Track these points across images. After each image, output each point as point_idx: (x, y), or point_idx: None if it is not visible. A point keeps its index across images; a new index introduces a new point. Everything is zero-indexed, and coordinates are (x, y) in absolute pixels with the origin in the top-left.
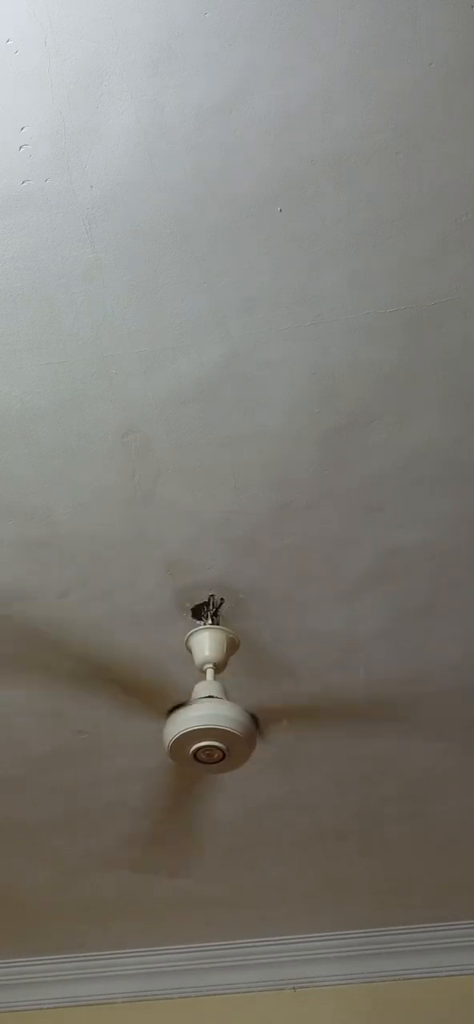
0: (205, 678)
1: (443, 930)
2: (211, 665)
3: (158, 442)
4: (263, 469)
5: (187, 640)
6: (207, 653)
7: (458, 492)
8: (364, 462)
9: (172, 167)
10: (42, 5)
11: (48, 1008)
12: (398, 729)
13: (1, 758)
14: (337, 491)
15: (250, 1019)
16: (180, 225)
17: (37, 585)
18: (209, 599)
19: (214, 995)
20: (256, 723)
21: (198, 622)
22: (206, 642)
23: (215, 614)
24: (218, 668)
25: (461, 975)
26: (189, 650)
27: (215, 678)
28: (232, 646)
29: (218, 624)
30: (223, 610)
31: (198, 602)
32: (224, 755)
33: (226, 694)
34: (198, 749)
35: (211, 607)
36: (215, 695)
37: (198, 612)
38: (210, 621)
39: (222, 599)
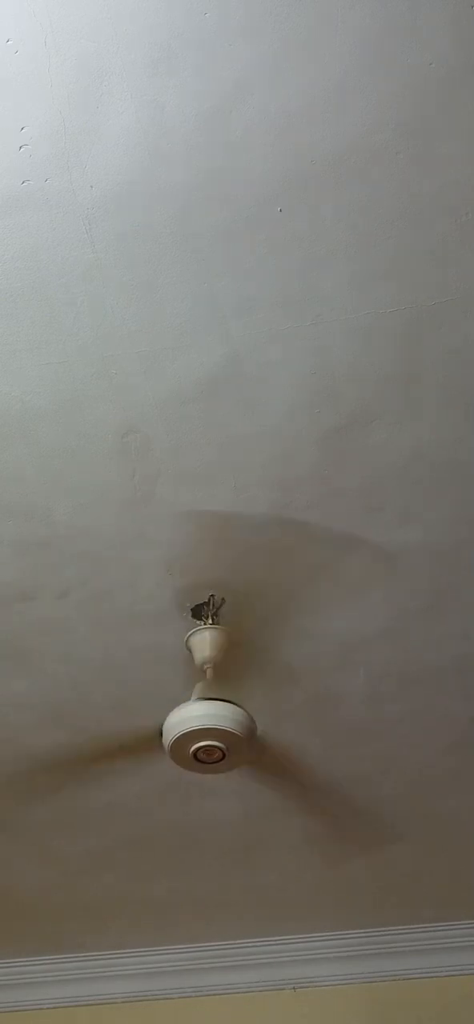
0: (205, 678)
1: (443, 930)
2: (211, 665)
3: (158, 442)
4: (263, 469)
5: (187, 640)
6: (207, 653)
7: (458, 492)
8: (364, 462)
9: (172, 167)
10: (42, 5)
11: (48, 1008)
12: (398, 729)
13: (1, 757)
14: (337, 491)
15: (250, 1019)
16: (180, 225)
17: (37, 585)
18: (209, 599)
19: (214, 995)
20: (255, 723)
21: (198, 622)
22: (206, 642)
23: (215, 614)
24: (218, 668)
25: (461, 975)
26: (189, 650)
27: (215, 678)
28: (232, 646)
29: (218, 624)
30: (223, 610)
31: (198, 602)
32: (224, 755)
33: (226, 694)
34: (198, 749)
35: (211, 607)
36: (215, 695)
37: (198, 612)
38: (210, 621)
39: (222, 599)
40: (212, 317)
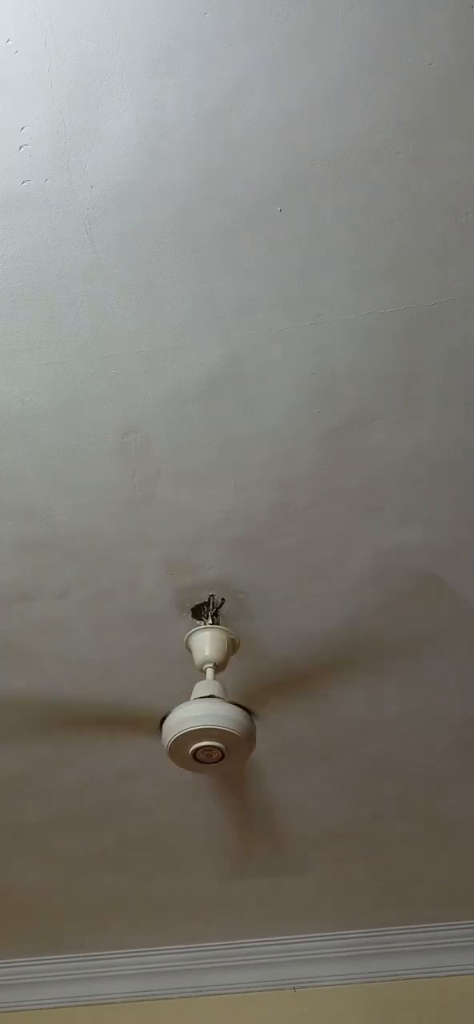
0: (205, 678)
1: (443, 930)
2: (211, 665)
3: (158, 442)
4: (263, 469)
5: (187, 640)
6: (207, 653)
7: (458, 492)
8: (364, 462)
9: (172, 167)
10: (42, 5)
11: (48, 1008)
12: (398, 729)
13: (1, 758)
14: (337, 491)
15: (250, 1019)
16: (180, 225)
17: (37, 585)
18: (209, 599)
19: (214, 995)
20: (254, 723)
21: (198, 622)
22: (206, 642)
23: (215, 614)
24: (218, 668)
25: (461, 975)
26: (189, 650)
27: (215, 678)
28: (232, 646)
29: (218, 624)
30: (223, 610)
31: (198, 602)
32: (223, 755)
33: (226, 694)
34: (197, 749)
35: (211, 607)
36: (215, 695)
37: (198, 612)
38: (210, 621)
39: (222, 599)
40: (212, 317)
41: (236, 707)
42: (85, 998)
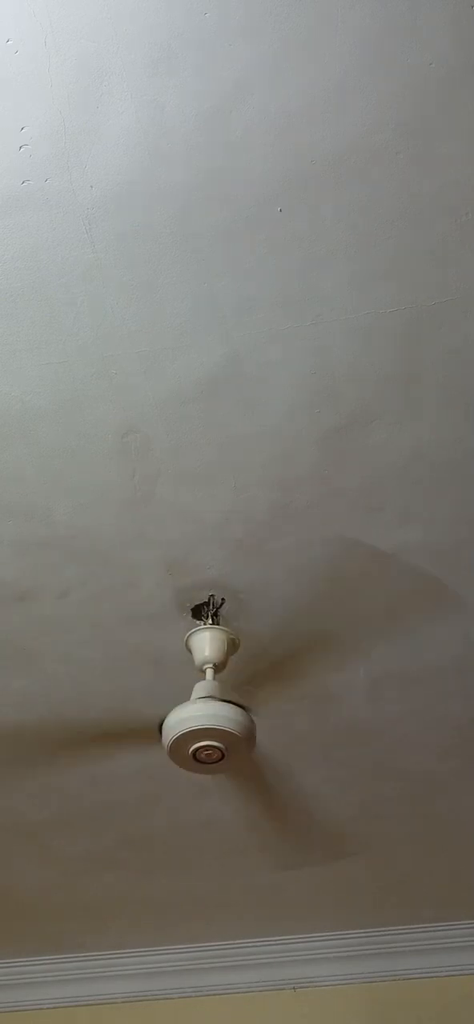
0: (205, 678)
1: (443, 930)
2: (211, 665)
3: (158, 442)
4: (263, 469)
5: (187, 640)
6: (207, 653)
7: (458, 492)
8: (364, 462)
9: (172, 167)
10: (42, 5)
11: (48, 1008)
12: (398, 729)
13: (0, 758)
14: (337, 491)
15: (250, 1019)
16: (180, 225)
17: (37, 585)
18: (209, 599)
19: (214, 995)
20: (254, 723)
21: (198, 622)
22: (206, 642)
23: (215, 614)
24: (218, 668)
25: (461, 975)
26: (189, 650)
27: (215, 678)
28: (232, 646)
29: (218, 624)
30: (223, 610)
31: (198, 602)
32: (223, 755)
33: (226, 694)
34: (197, 749)
35: (211, 607)
36: (215, 695)
37: (198, 612)
38: (210, 621)
39: (222, 599)
40: (212, 317)
41: (236, 707)
42: (85, 998)
